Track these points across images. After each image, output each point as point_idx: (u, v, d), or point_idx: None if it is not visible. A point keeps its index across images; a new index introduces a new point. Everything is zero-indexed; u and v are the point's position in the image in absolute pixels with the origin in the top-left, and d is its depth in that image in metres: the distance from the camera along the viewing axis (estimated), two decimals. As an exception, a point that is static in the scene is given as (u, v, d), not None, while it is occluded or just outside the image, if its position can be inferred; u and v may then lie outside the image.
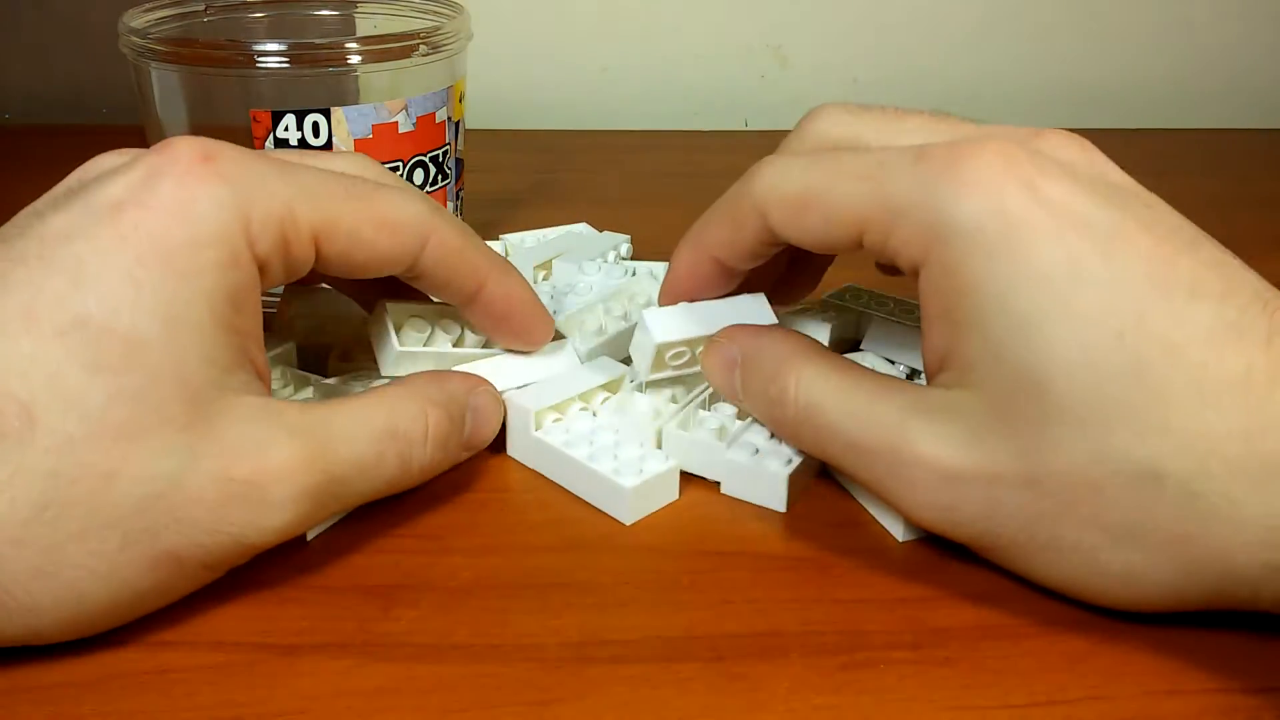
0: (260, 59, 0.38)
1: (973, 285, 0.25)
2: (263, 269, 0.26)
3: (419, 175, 0.42)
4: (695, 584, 0.28)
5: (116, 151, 0.28)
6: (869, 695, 0.24)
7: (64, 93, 0.69)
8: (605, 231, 0.45)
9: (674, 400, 0.33)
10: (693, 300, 0.32)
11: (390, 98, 0.40)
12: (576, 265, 0.41)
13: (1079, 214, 0.25)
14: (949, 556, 0.28)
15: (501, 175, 0.58)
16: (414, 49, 0.40)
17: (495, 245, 0.44)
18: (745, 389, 0.31)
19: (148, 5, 0.42)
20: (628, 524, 0.30)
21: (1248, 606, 0.24)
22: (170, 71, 0.39)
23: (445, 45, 0.41)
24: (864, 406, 0.28)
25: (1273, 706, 0.24)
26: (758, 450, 0.31)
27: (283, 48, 0.38)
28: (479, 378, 0.32)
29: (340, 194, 0.28)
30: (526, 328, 0.33)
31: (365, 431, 0.27)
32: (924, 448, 0.26)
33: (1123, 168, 0.28)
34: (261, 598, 0.27)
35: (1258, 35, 0.71)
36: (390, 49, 0.39)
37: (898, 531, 0.29)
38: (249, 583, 0.27)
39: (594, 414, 0.33)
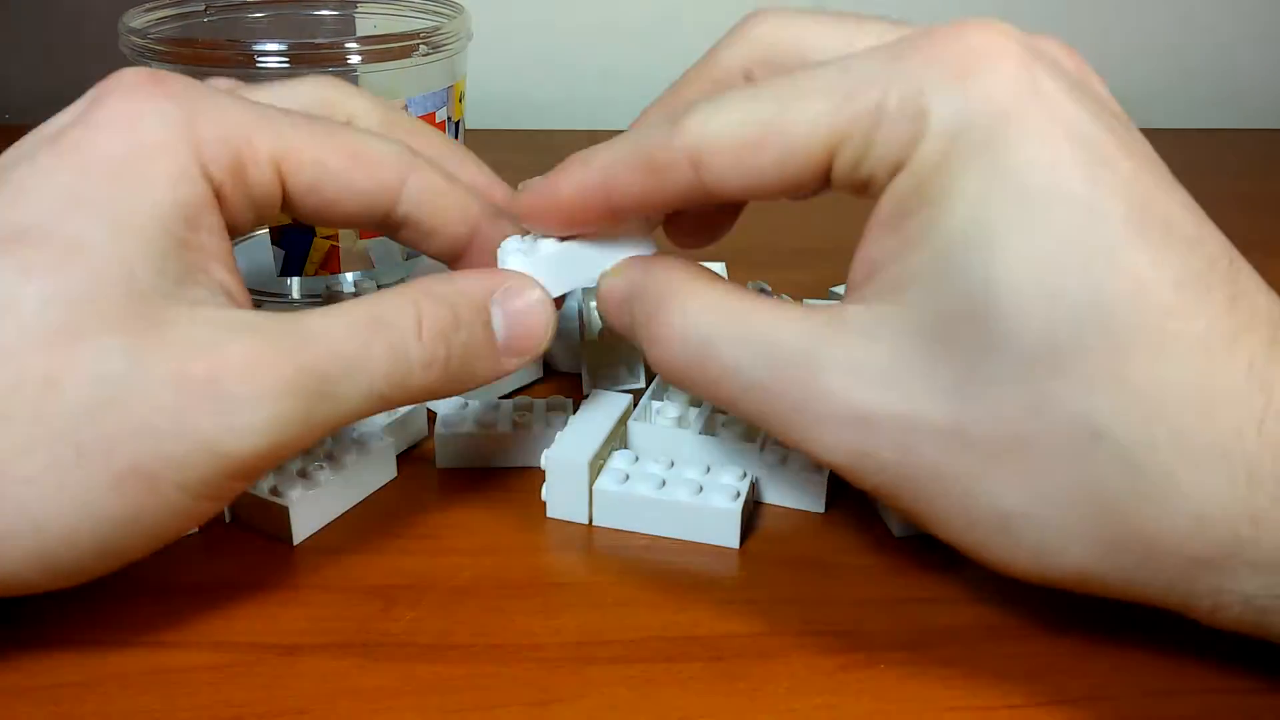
0: (260, 59, 0.38)
1: (944, 187, 0.22)
2: (219, 193, 0.25)
3: (419, 175, 0.42)
4: (695, 584, 0.28)
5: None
6: (869, 695, 0.24)
7: (64, 93, 0.69)
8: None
9: (691, 404, 0.33)
10: (557, 224, 0.28)
11: (390, 98, 0.40)
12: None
13: (1070, 118, 0.22)
14: (949, 556, 0.28)
15: (501, 175, 0.58)
16: (414, 49, 0.40)
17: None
18: (632, 325, 0.27)
19: (148, 5, 0.42)
20: (736, 548, 0.29)
21: (1158, 602, 0.23)
22: (170, 71, 0.39)
23: (445, 45, 0.41)
24: (763, 336, 0.24)
25: (1273, 707, 0.24)
26: (784, 459, 0.30)
27: (283, 48, 0.38)
28: (509, 275, 0.28)
29: (303, 124, 0.27)
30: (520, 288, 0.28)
31: (343, 322, 0.25)
32: (835, 380, 0.23)
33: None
34: (261, 598, 0.27)
35: (1258, 35, 0.71)
36: (390, 49, 0.39)
37: (894, 527, 0.29)
38: (249, 583, 0.27)
39: (626, 446, 0.32)
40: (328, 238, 0.40)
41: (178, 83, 0.25)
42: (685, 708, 0.24)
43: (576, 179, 0.27)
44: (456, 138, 0.44)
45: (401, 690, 0.24)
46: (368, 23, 0.46)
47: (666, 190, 0.25)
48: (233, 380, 0.23)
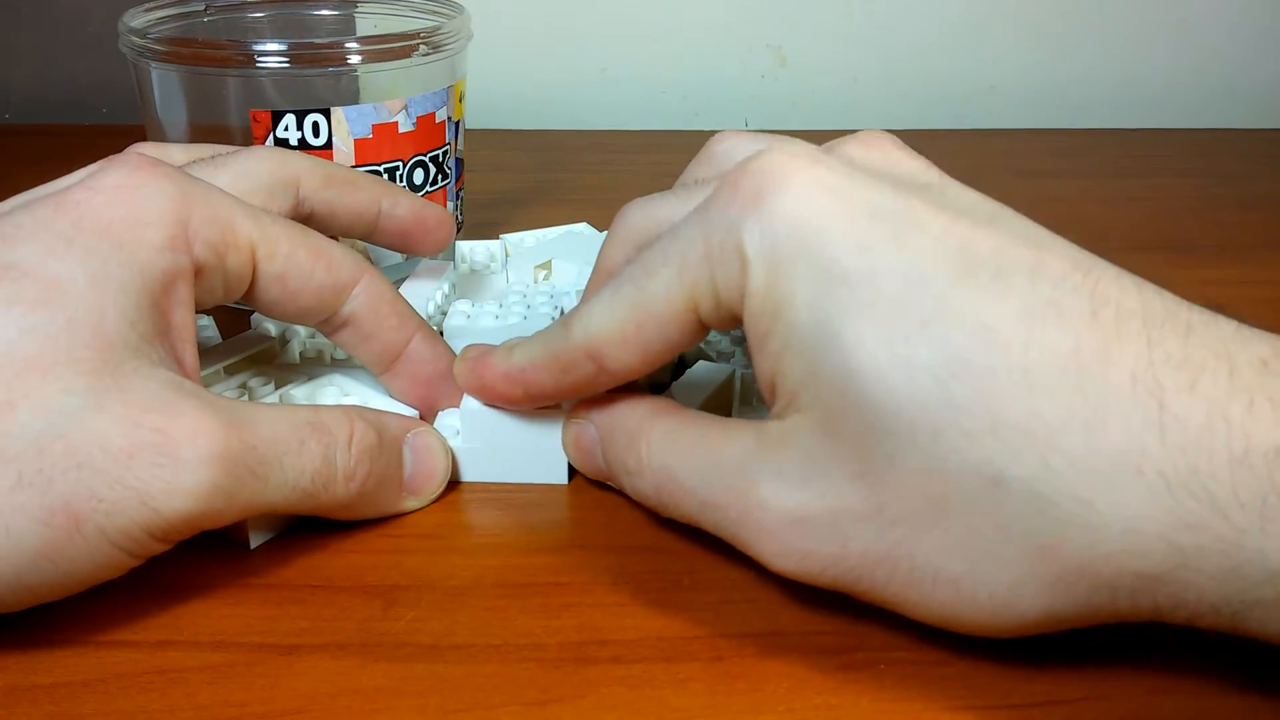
0: (260, 59, 0.38)
1: (781, 300, 0.24)
2: (199, 271, 0.27)
3: (419, 175, 0.42)
4: (695, 584, 0.28)
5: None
6: (869, 695, 0.24)
7: (64, 93, 0.69)
8: (605, 231, 0.45)
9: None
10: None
11: (390, 98, 0.40)
12: (575, 268, 0.41)
13: (865, 201, 0.23)
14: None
15: (501, 175, 0.58)
16: (414, 49, 0.40)
17: (495, 245, 0.44)
18: (609, 464, 0.29)
19: (148, 5, 0.42)
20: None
21: (1129, 618, 0.22)
22: (170, 71, 0.39)
23: (445, 45, 0.41)
24: (709, 458, 0.26)
25: (1272, 708, 0.24)
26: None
27: (283, 48, 0.38)
28: (421, 422, 0.31)
29: (280, 220, 0.29)
30: (446, 393, 0.32)
31: (286, 417, 0.27)
32: (766, 489, 0.24)
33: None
34: (261, 598, 0.27)
35: (1257, 35, 0.71)
36: (390, 49, 0.39)
37: None
38: (249, 583, 0.27)
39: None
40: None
41: (174, 169, 0.28)
42: (685, 708, 0.24)
43: (500, 372, 0.29)
44: (456, 138, 0.44)
45: (401, 690, 0.24)
46: (368, 23, 0.46)
47: (579, 384, 0.28)
48: (181, 437, 0.24)
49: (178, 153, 0.32)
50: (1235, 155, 0.64)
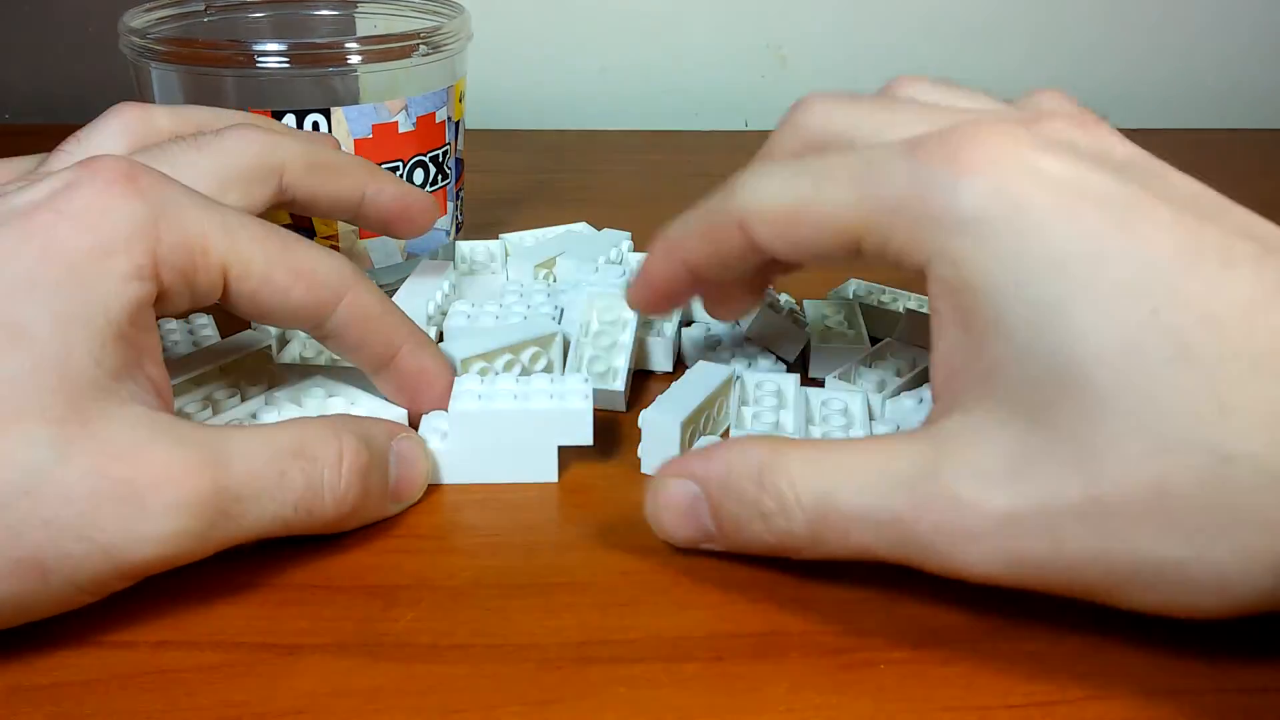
0: (260, 59, 0.38)
1: (984, 277, 0.23)
2: (164, 293, 0.26)
3: (419, 175, 0.42)
4: (695, 584, 0.28)
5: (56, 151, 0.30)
6: (869, 695, 0.24)
7: (64, 93, 0.69)
8: (605, 230, 0.45)
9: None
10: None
11: (390, 98, 0.40)
12: (577, 265, 0.41)
13: (1090, 190, 0.23)
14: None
15: (501, 175, 0.58)
16: (414, 49, 0.40)
17: (495, 245, 0.44)
18: (723, 520, 0.26)
19: (148, 5, 0.42)
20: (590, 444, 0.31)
21: None
22: (170, 71, 0.39)
23: (445, 45, 0.41)
24: (878, 476, 0.24)
25: (1273, 707, 0.24)
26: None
27: (283, 48, 0.38)
28: (402, 425, 0.31)
29: (259, 235, 0.28)
30: (434, 400, 0.32)
31: (266, 448, 0.26)
32: (966, 489, 0.23)
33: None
34: (261, 598, 0.27)
35: (1258, 36, 0.71)
36: (390, 49, 0.39)
37: None
38: (249, 583, 0.27)
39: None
40: (328, 238, 0.40)
41: (152, 180, 0.26)
42: (685, 708, 0.24)
43: (660, 252, 0.30)
44: (456, 138, 0.44)
45: (401, 690, 0.24)
46: (368, 23, 0.46)
47: (728, 250, 0.28)
48: (147, 487, 0.24)
49: (163, 118, 0.32)
50: (1235, 155, 0.64)
